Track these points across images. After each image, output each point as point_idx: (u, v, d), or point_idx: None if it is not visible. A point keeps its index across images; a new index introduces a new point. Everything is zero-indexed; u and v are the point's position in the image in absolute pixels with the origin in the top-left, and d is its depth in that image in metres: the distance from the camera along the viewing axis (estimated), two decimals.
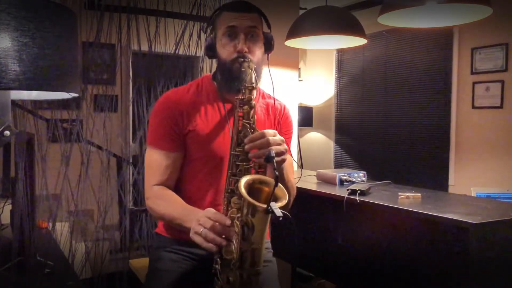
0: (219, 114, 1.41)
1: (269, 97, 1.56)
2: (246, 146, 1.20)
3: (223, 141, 1.39)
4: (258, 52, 1.37)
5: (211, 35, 1.41)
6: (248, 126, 1.23)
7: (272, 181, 1.11)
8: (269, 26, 1.45)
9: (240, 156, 1.22)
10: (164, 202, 1.37)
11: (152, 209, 1.40)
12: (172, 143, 1.39)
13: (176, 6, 3.15)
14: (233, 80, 1.33)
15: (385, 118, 4.53)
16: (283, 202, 1.10)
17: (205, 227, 1.12)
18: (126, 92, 3.55)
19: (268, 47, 1.43)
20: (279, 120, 1.52)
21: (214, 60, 1.46)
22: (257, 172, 1.23)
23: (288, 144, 1.56)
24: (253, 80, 1.23)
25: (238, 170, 1.23)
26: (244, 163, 1.22)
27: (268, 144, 1.18)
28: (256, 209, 1.07)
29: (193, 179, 1.44)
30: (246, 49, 1.32)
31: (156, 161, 1.40)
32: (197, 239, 1.14)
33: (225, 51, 1.35)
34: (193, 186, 1.44)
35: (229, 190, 1.23)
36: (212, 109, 1.42)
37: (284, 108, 1.56)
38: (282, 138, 1.22)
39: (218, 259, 1.18)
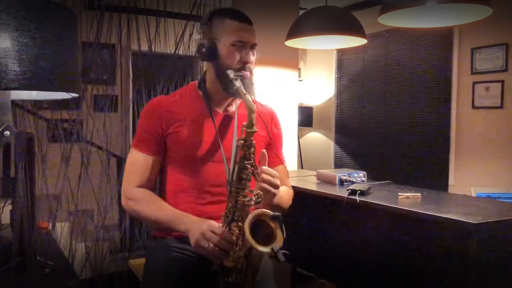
0: (203, 120, 1.47)
1: (256, 102, 1.60)
2: (263, 177, 1.28)
3: (205, 143, 1.45)
4: (253, 63, 1.48)
5: (211, 38, 1.43)
6: (249, 165, 1.30)
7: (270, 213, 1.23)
8: None
9: (240, 192, 1.31)
10: (150, 205, 1.44)
11: (135, 211, 1.47)
12: (151, 146, 1.47)
13: (176, 6, 3.15)
14: (231, 86, 1.40)
15: (385, 118, 4.52)
16: (280, 243, 1.20)
17: (211, 242, 1.23)
18: (126, 92, 3.55)
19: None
20: (270, 129, 1.59)
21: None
22: (256, 204, 1.32)
23: (280, 147, 1.64)
24: (254, 123, 1.29)
25: (238, 203, 1.31)
26: (245, 199, 1.30)
27: (273, 177, 1.29)
28: (261, 251, 1.18)
29: (173, 180, 1.50)
30: (251, 61, 1.43)
31: (136, 162, 1.48)
32: (202, 251, 1.25)
33: (230, 59, 1.41)
34: (173, 187, 1.50)
35: (229, 216, 1.31)
36: (195, 115, 1.47)
37: (273, 114, 1.63)
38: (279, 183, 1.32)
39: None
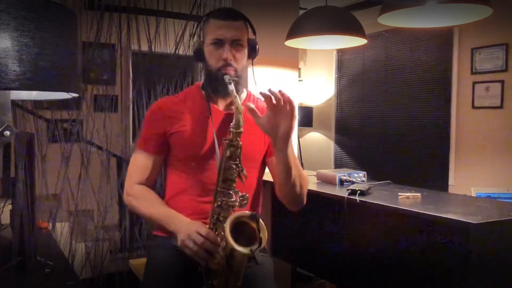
0: (204, 119, 1.49)
1: (259, 100, 1.60)
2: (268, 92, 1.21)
3: (207, 142, 1.47)
4: (242, 59, 1.47)
5: (199, 40, 1.50)
6: (234, 166, 1.30)
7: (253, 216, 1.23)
8: (254, 32, 1.53)
9: (225, 192, 1.31)
10: (146, 202, 1.48)
11: (133, 206, 1.50)
12: (154, 146, 1.50)
13: (176, 6, 3.15)
14: (218, 85, 1.44)
15: (385, 118, 4.52)
16: (258, 244, 1.20)
17: (196, 243, 1.24)
18: (126, 92, 3.55)
19: (252, 53, 1.52)
20: None
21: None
22: (241, 206, 1.32)
23: None
24: (241, 124, 1.29)
25: (222, 204, 1.32)
26: (229, 200, 1.31)
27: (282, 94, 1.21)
28: (241, 253, 1.18)
29: (176, 179, 1.52)
30: (231, 58, 1.42)
31: (139, 161, 1.51)
32: (187, 251, 1.27)
33: (212, 58, 1.44)
34: (175, 185, 1.52)
35: (214, 217, 1.33)
36: (197, 114, 1.49)
37: None
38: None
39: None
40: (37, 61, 1.05)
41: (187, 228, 1.29)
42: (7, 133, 1.15)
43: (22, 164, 1.27)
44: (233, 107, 1.50)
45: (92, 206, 3.04)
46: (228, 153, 1.30)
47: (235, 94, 1.32)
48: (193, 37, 3.10)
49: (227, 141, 1.30)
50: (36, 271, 1.31)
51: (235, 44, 1.43)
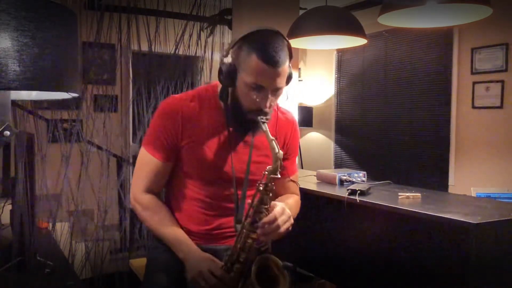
0: (221, 134, 1.39)
1: (281, 108, 1.55)
2: (259, 231, 1.24)
3: (220, 160, 1.39)
4: (277, 101, 1.38)
5: (234, 64, 1.30)
6: (265, 210, 1.26)
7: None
8: (291, 57, 1.36)
9: (251, 235, 1.27)
10: (156, 216, 1.41)
11: (141, 216, 1.44)
12: (164, 153, 1.39)
13: (176, 6, 3.16)
14: (243, 123, 1.35)
15: (385, 118, 4.53)
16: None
17: (207, 283, 1.22)
18: (126, 92, 3.55)
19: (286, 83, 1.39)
20: (289, 138, 1.53)
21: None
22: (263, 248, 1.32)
23: (295, 158, 1.59)
24: (279, 170, 1.24)
25: (245, 246, 1.28)
26: (254, 242, 1.28)
27: (278, 228, 1.24)
28: None
29: (185, 189, 1.44)
30: (269, 106, 1.30)
31: (147, 165, 1.41)
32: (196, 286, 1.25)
33: (246, 99, 1.30)
34: (184, 194, 1.45)
35: (234, 257, 1.28)
36: (212, 128, 1.39)
37: (294, 124, 1.56)
38: (289, 213, 1.29)
39: None
40: (37, 61, 1.05)
41: (199, 265, 1.25)
42: (7, 133, 1.15)
43: (22, 164, 1.26)
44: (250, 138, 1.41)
45: (92, 206, 3.04)
46: (260, 197, 1.26)
47: (271, 137, 1.23)
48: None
49: (262, 185, 1.25)
50: (36, 271, 1.31)
51: (275, 91, 1.30)
